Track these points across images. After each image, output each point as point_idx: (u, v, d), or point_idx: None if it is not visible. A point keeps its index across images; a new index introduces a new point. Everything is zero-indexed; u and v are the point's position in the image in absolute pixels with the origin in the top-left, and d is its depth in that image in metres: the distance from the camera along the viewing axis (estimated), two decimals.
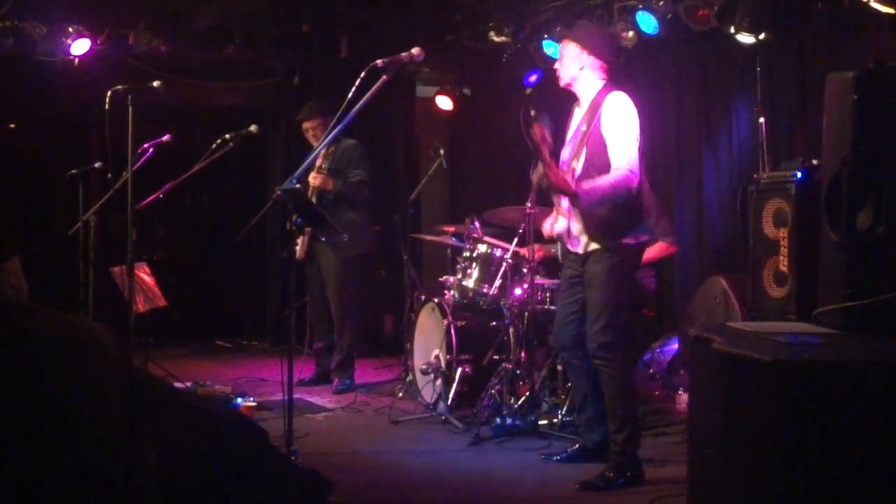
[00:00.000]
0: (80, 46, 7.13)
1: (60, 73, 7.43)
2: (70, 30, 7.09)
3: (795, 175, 5.01)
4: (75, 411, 1.74)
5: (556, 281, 5.68)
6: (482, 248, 5.96)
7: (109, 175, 5.68)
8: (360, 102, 4.04)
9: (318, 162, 6.66)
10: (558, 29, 6.93)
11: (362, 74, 4.02)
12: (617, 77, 4.62)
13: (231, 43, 7.65)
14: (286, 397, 4.08)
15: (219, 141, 5.98)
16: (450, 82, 8.44)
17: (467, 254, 6.03)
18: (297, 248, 6.70)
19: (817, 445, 2.60)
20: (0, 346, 1.75)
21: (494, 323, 5.93)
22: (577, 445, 4.77)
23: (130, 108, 4.96)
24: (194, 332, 9.22)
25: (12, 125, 8.69)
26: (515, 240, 5.92)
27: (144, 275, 6.47)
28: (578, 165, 4.44)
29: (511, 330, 5.73)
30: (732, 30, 5.92)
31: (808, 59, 6.03)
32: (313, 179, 6.55)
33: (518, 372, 5.53)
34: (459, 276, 6.01)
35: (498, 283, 5.82)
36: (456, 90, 8.44)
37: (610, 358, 4.40)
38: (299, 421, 5.22)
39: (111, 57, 7.33)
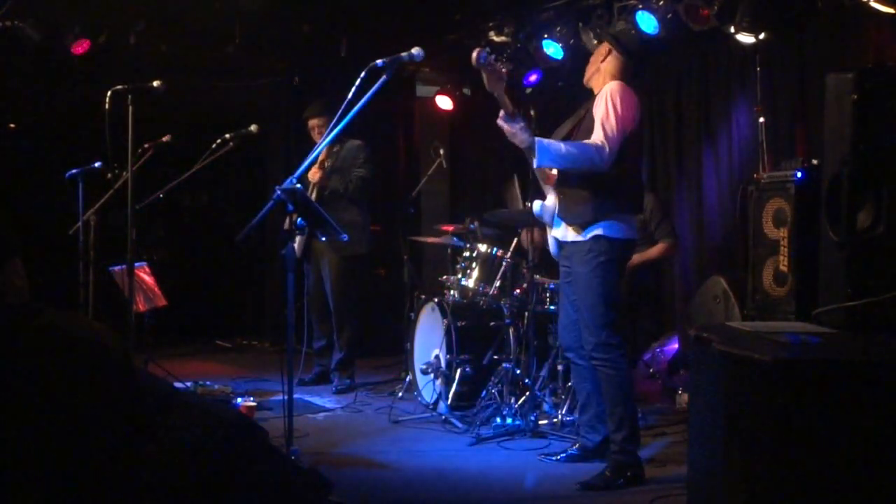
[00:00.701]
0: (80, 46, 7.13)
1: (60, 73, 7.43)
2: (70, 30, 7.08)
3: (795, 175, 5.02)
4: (77, 411, 1.74)
5: (556, 281, 5.70)
6: (482, 248, 5.97)
7: (109, 175, 5.68)
8: (361, 102, 4.05)
9: (322, 161, 6.65)
10: (558, 29, 6.93)
11: (362, 74, 4.02)
12: (631, 79, 4.60)
13: (231, 43, 7.65)
14: (286, 397, 4.08)
15: (219, 141, 5.98)
16: (450, 82, 8.44)
17: (467, 254, 6.03)
18: (295, 245, 6.69)
19: (817, 445, 2.60)
20: (2, 347, 1.75)
21: (494, 323, 5.93)
22: (577, 445, 4.77)
23: (130, 108, 4.96)
24: (194, 332, 9.23)
25: (12, 125, 8.69)
26: (515, 240, 5.93)
27: (144, 275, 6.48)
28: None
29: (511, 330, 5.73)
30: (732, 30, 5.92)
31: (808, 59, 6.03)
32: (312, 176, 6.55)
33: (518, 372, 5.53)
34: (459, 276, 6.01)
35: (498, 283, 5.82)
36: (456, 90, 8.44)
37: (606, 357, 4.40)
38: (299, 421, 5.22)
39: (111, 57, 7.32)
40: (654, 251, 6.14)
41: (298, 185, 4.25)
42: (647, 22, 6.27)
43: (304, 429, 5.33)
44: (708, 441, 3.01)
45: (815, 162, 5.00)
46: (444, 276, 6.22)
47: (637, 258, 5.82)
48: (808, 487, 2.60)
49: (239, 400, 5.71)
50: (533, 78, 7.53)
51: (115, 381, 1.81)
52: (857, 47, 5.63)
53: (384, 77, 4.07)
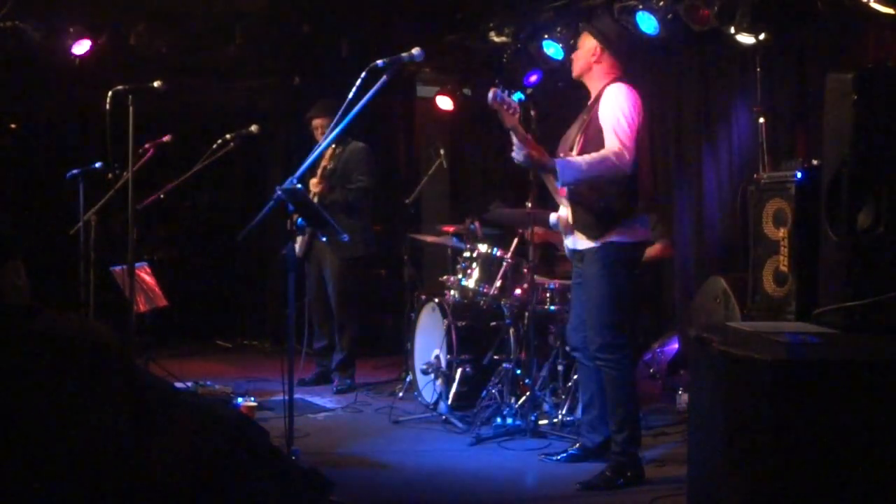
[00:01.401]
0: (80, 46, 7.13)
1: (60, 73, 7.43)
2: (70, 30, 7.09)
3: (795, 175, 5.02)
4: (77, 411, 1.74)
5: (556, 281, 5.70)
6: (482, 248, 5.97)
7: (110, 175, 5.68)
8: (361, 103, 4.05)
9: (324, 163, 6.66)
10: (558, 29, 6.94)
11: (362, 74, 4.02)
12: (628, 74, 4.61)
13: (231, 43, 7.65)
14: (287, 397, 4.08)
15: (219, 141, 5.98)
16: (450, 82, 8.43)
17: (467, 254, 6.03)
18: (297, 245, 6.70)
19: (817, 445, 2.60)
20: (2, 347, 1.75)
21: (494, 323, 5.93)
22: (577, 445, 4.78)
23: (130, 108, 4.96)
24: (194, 332, 9.23)
25: (12, 125, 8.69)
26: (515, 240, 5.93)
27: (145, 275, 6.48)
28: (574, 152, 4.45)
29: (511, 330, 5.73)
30: (732, 30, 5.92)
31: (808, 59, 6.03)
32: (314, 186, 6.54)
33: (518, 372, 5.53)
34: (459, 276, 6.01)
35: (498, 283, 5.82)
36: (456, 90, 8.44)
37: (610, 358, 4.40)
38: (300, 421, 5.22)
39: (111, 57, 7.32)
40: (652, 251, 6.13)
41: (299, 186, 4.25)
42: (647, 22, 6.27)
43: (304, 429, 5.33)
44: (708, 441, 3.01)
45: (815, 162, 5.00)
46: (445, 277, 6.22)
47: None
48: (808, 487, 2.60)
49: (239, 400, 5.71)
50: (533, 78, 7.53)
51: (115, 382, 1.81)
52: (857, 47, 5.63)
53: (384, 77, 4.07)
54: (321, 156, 6.47)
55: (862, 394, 2.62)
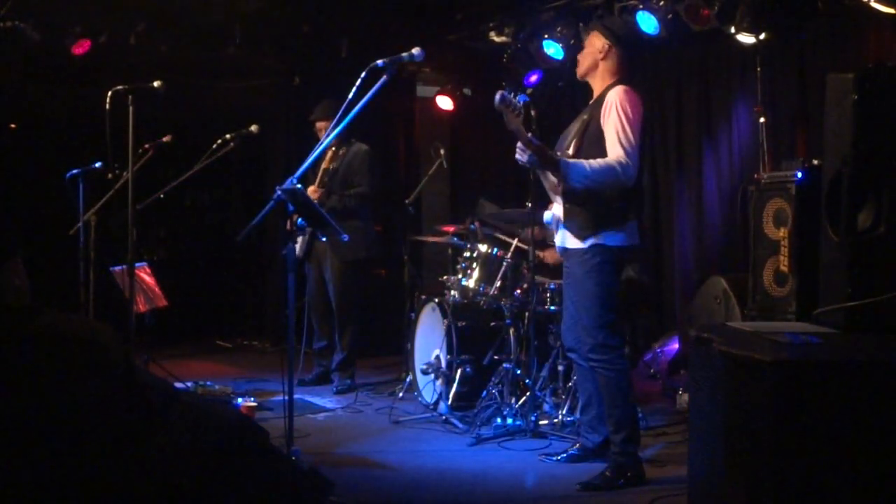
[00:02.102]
0: (80, 46, 7.13)
1: (60, 73, 7.43)
2: (70, 30, 7.08)
3: (795, 175, 5.02)
4: (77, 411, 1.74)
5: (556, 281, 5.69)
6: (482, 248, 5.97)
7: (110, 175, 5.68)
8: (361, 103, 4.05)
9: (325, 164, 6.65)
10: (558, 29, 6.94)
11: (362, 74, 4.02)
12: (632, 76, 4.61)
13: (231, 43, 7.65)
14: (286, 397, 4.08)
15: (219, 141, 5.97)
16: (450, 82, 8.44)
17: (467, 254, 6.03)
18: (297, 245, 6.70)
19: (817, 445, 2.60)
20: (3, 347, 1.75)
21: (494, 323, 5.93)
22: (577, 445, 4.78)
23: (130, 108, 4.96)
24: (194, 332, 9.23)
25: (12, 125, 8.69)
26: (515, 240, 5.92)
27: (145, 275, 6.48)
28: (571, 151, 4.45)
29: (511, 330, 5.73)
30: (732, 30, 5.93)
31: (808, 59, 6.03)
32: (312, 193, 6.53)
33: (518, 372, 5.53)
34: (459, 276, 6.01)
35: (498, 283, 5.82)
36: (456, 90, 8.44)
37: (603, 359, 4.39)
38: (300, 421, 5.22)
39: (111, 57, 7.32)
40: None
41: (299, 186, 4.24)
42: (647, 22, 6.27)
43: (304, 429, 5.33)
44: (708, 441, 3.01)
45: (815, 162, 5.00)
46: (445, 277, 6.22)
47: None
48: (808, 488, 2.60)
49: (239, 400, 5.71)
50: (533, 78, 7.53)
51: (115, 382, 1.81)
52: (857, 47, 5.63)
53: (385, 77, 4.07)
54: (322, 157, 6.47)
55: (862, 394, 2.61)
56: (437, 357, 5.92)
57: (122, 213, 5.33)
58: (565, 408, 5.40)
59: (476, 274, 5.93)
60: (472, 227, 6.21)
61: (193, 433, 2.59)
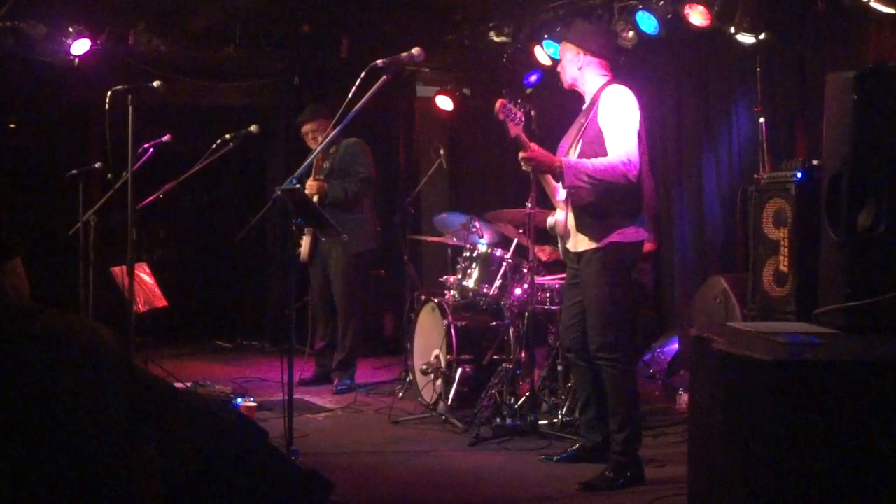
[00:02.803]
0: (80, 46, 7.13)
1: (60, 73, 7.43)
2: (70, 30, 7.08)
3: (795, 175, 5.02)
4: (77, 411, 1.74)
5: (556, 280, 5.70)
6: (482, 248, 5.96)
7: (109, 175, 5.68)
8: (361, 102, 4.05)
9: (318, 162, 6.65)
10: (558, 29, 6.93)
11: (362, 74, 4.02)
12: (619, 74, 4.62)
13: (231, 43, 7.65)
14: (286, 397, 4.08)
15: (219, 141, 5.97)
16: (450, 82, 8.44)
17: (467, 254, 6.03)
18: (301, 248, 6.71)
19: (817, 445, 2.60)
20: (2, 347, 1.75)
21: (494, 323, 5.93)
22: (577, 445, 4.78)
23: (130, 108, 4.96)
24: (194, 332, 9.23)
25: (12, 125, 8.69)
26: (515, 240, 5.93)
27: (144, 275, 6.47)
28: (574, 156, 4.45)
29: (511, 330, 5.73)
30: (732, 30, 5.92)
31: (808, 59, 6.03)
32: (309, 188, 6.53)
33: (518, 372, 5.53)
34: (459, 276, 6.01)
35: (498, 283, 5.82)
36: (456, 90, 8.44)
37: (611, 358, 4.40)
38: (299, 421, 5.22)
39: (111, 57, 7.32)
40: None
41: (298, 185, 4.25)
42: (647, 22, 6.27)
43: (304, 429, 5.33)
44: (708, 441, 3.01)
45: (815, 162, 5.00)
46: (444, 276, 6.22)
47: None
48: (808, 488, 2.60)
49: (239, 400, 5.71)
50: (533, 78, 7.53)
51: (115, 382, 1.80)
52: (857, 47, 5.63)
53: (384, 77, 4.07)
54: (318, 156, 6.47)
55: (862, 394, 2.61)
56: (437, 357, 5.93)
57: (121, 213, 5.33)
58: (565, 408, 5.40)
59: (476, 274, 5.93)
60: (472, 227, 6.20)
61: (193, 433, 2.58)
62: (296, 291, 4.24)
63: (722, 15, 5.89)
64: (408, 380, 6.35)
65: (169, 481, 2.17)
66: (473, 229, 6.11)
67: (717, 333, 3.05)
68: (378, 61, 4.06)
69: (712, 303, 5.71)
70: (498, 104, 4.32)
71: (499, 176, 8.69)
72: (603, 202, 4.36)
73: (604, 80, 4.52)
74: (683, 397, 5.73)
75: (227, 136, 5.96)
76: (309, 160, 4.58)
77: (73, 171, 5.91)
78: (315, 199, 6.51)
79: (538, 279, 5.60)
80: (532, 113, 5.20)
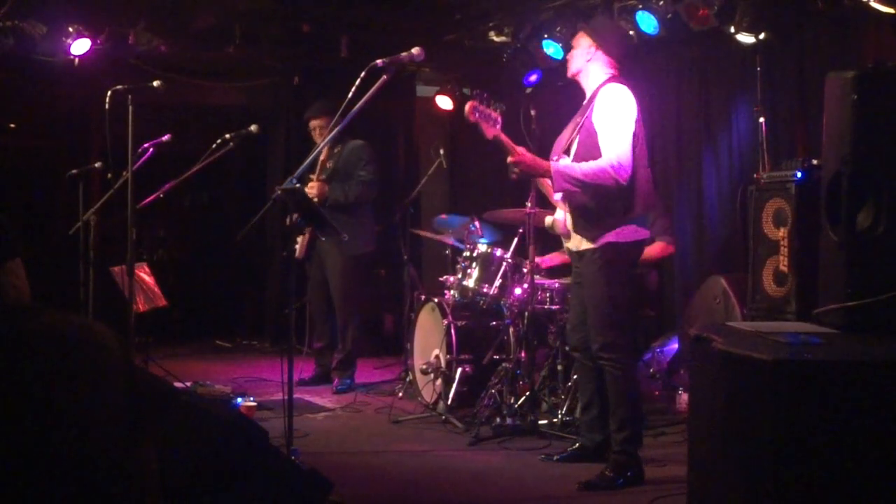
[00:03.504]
0: (80, 46, 7.13)
1: (60, 73, 7.43)
2: (70, 30, 7.08)
3: (795, 175, 5.01)
4: (77, 412, 1.74)
5: (556, 281, 5.70)
6: (482, 247, 5.96)
7: (109, 175, 5.68)
8: (361, 102, 4.05)
9: (322, 160, 6.65)
10: (558, 29, 6.94)
11: (362, 74, 4.02)
12: (622, 74, 4.61)
13: (231, 43, 7.64)
14: (286, 397, 4.08)
15: (219, 141, 5.97)
16: (450, 82, 8.43)
17: (467, 254, 6.03)
18: (297, 247, 6.71)
19: (817, 445, 2.60)
20: (2, 347, 1.75)
21: (494, 323, 5.93)
22: (577, 445, 4.78)
23: (130, 108, 4.96)
24: (194, 332, 9.22)
25: (12, 125, 8.69)
26: (515, 240, 5.92)
27: (144, 275, 6.47)
28: (570, 155, 4.45)
29: (511, 330, 5.73)
30: (732, 30, 5.92)
31: (808, 59, 6.03)
32: (310, 190, 6.53)
33: (518, 372, 5.53)
34: (459, 275, 6.01)
35: (498, 283, 5.82)
36: (456, 90, 8.44)
37: (613, 357, 4.40)
38: (299, 421, 5.22)
39: (111, 57, 7.32)
40: (653, 251, 6.09)
41: (298, 185, 4.25)
42: (647, 22, 6.27)
43: (304, 429, 5.33)
44: (708, 441, 3.01)
45: (815, 162, 5.00)
46: (445, 277, 6.22)
47: None
48: (808, 488, 2.60)
49: (239, 400, 5.71)
50: (533, 78, 7.53)
51: (115, 382, 1.80)
52: (857, 47, 5.63)
53: (384, 77, 4.07)
54: (320, 155, 6.47)
55: (862, 394, 2.61)
56: (437, 357, 5.93)
57: (122, 213, 5.32)
58: (565, 408, 5.40)
59: (476, 274, 5.92)
60: (472, 226, 6.20)
61: (193, 433, 2.58)
62: (295, 291, 4.23)
63: (722, 15, 5.89)
64: (408, 379, 6.35)
65: (168, 482, 2.17)
66: (473, 229, 6.11)
67: (717, 333, 3.05)
68: (378, 61, 4.06)
69: (712, 303, 5.71)
70: (468, 107, 4.29)
71: (499, 176, 8.68)
72: (597, 203, 4.36)
73: (605, 77, 4.52)
74: (683, 397, 5.73)
75: (227, 136, 5.96)
76: (309, 159, 4.58)
77: (73, 171, 5.91)
78: (315, 201, 6.51)
79: (538, 279, 5.60)
80: (532, 113, 5.20)
